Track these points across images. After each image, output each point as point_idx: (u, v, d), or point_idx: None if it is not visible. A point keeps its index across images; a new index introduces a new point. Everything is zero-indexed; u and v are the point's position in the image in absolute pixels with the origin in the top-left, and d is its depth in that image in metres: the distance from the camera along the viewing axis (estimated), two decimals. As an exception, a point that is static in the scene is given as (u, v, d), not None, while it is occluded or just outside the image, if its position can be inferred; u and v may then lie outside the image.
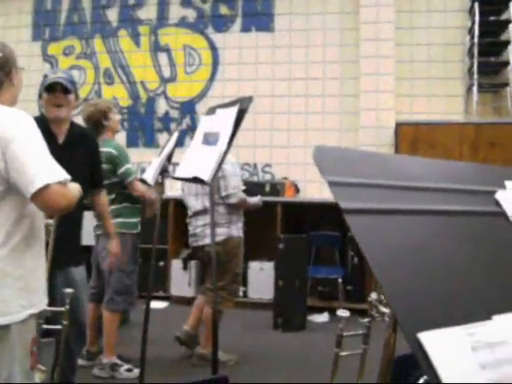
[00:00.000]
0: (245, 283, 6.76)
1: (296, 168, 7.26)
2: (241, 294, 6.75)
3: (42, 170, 1.83)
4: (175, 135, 3.36)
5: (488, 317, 0.87)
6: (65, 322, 2.54)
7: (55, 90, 3.06)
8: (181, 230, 6.87)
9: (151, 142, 7.66)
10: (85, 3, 8.05)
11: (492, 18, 6.78)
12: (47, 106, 3.12)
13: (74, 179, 1.98)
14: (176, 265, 6.87)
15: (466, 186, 1.21)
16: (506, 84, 6.77)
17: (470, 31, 6.82)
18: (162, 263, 6.86)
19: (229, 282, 4.42)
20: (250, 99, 2.59)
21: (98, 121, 4.17)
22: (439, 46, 7.10)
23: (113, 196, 4.06)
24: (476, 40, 6.66)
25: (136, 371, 3.98)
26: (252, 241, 6.70)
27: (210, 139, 2.61)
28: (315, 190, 7.11)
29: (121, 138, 7.67)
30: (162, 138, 7.56)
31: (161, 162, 3.25)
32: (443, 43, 7.10)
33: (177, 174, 2.84)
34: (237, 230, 4.49)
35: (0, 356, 1.90)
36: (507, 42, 6.71)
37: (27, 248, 1.97)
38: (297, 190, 7.14)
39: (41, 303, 2.04)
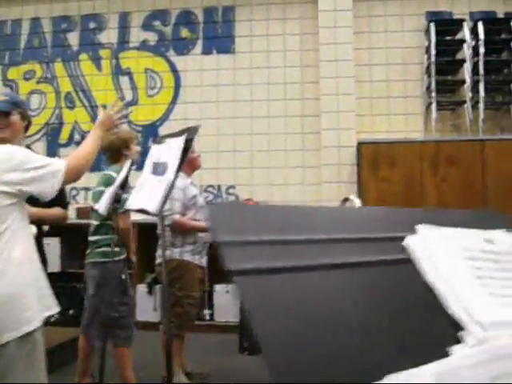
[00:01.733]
0: (211, 306, 6.72)
1: (260, 189, 7.27)
2: (207, 317, 6.72)
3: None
4: (127, 163, 3.34)
5: (380, 376, 0.86)
6: None
7: None
8: (145, 254, 6.81)
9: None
10: (45, 27, 8.00)
11: (448, 38, 6.91)
12: None
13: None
14: (141, 289, 6.80)
15: (372, 234, 1.18)
16: (464, 101, 6.88)
17: (427, 50, 6.93)
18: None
19: (173, 304, 4.33)
20: (196, 129, 2.59)
21: (118, 149, 4.14)
22: (397, 66, 7.21)
23: (97, 224, 4.02)
24: (433, 59, 6.78)
25: None
26: (216, 263, 6.69)
27: (158, 169, 2.61)
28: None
29: None
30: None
31: (113, 191, 3.22)
32: (401, 63, 7.20)
33: (127, 205, 2.83)
34: (181, 253, 4.46)
35: (28, 359, 2.12)
36: (463, 61, 6.84)
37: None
38: (261, 211, 7.13)
39: (53, 306, 2.34)
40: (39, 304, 2.21)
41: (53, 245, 6.89)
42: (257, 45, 7.49)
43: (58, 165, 2.36)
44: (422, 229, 1.26)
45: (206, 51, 7.59)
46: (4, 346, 2.06)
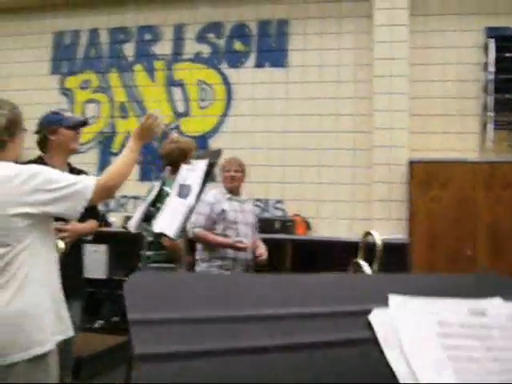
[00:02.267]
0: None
1: (308, 204, 7.17)
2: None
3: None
4: (158, 184, 3.32)
5: None
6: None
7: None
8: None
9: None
10: (102, 38, 8.16)
11: (508, 55, 6.65)
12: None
13: None
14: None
15: (332, 308, 1.01)
16: (523, 121, 6.61)
17: (485, 67, 6.69)
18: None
19: None
20: (219, 152, 2.54)
21: (177, 159, 4.08)
22: (454, 82, 6.98)
23: (150, 240, 4.07)
24: (491, 76, 6.54)
25: None
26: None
27: (183, 192, 2.57)
28: (327, 227, 7.02)
29: (134, 171, 7.70)
30: (174, 172, 7.55)
31: (144, 209, 3.21)
32: (458, 79, 6.98)
33: (154, 228, 2.81)
34: (208, 267, 4.48)
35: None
36: (523, 79, 6.57)
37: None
38: (308, 227, 7.03)
39: (69, 329, 2.35)
40: (54, 327, 2.18)
41: (100, 251, 6.99)
42: (310, 59, 7.40)
43: (86, 183, 2.32)
44: (395, 300, 1.05)
45: (259, 64, 7.56)
46: (12, 366, 2.02)
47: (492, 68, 6.54)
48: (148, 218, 3.21)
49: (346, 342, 0.94)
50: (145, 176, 7.71)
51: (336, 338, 0.92)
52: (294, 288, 1.00)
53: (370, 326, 0.99)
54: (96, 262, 6.86)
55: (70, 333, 2.31)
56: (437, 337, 1.02)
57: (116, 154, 7.80)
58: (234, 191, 4.87)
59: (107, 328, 6.63)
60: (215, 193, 4.73)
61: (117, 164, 2.48)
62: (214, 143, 7.50)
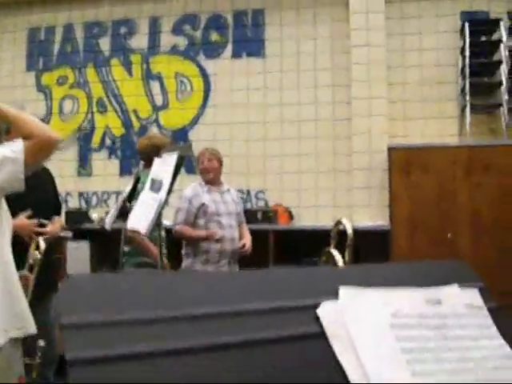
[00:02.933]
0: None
1: (290, 194, 7.17)
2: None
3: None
4: (132, 179, 3.29)
5: None
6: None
7: None
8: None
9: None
10: (77, 33, 8.07)
11: (483, 39, 6.67)
12: None
13: None
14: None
15: (281, 303, 0.93)
16: (500, 105, 6.63)
17: (462, 52, 6.70)
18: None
19: None
20: (189, 147, 2.52)
21: (149, 155, 4.08)
22: (431, 68, 7.00)
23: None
24: (467, 61, 6.55)
25: None
26: (245, 269, 6.60)
27: (154, 186, 2.55)
28: (310, 216, 7.03)
29: (114, 166, 7.67)
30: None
31: (118, 205, 3.18)
32: (435, 64, 6.99)
33: (128, 224, 2.79)
34: (192, 263, 4.50)
35: None
36: (499, 62, 6.59)
37: None
38: (291, 217, 7.03)
39: (27, 327, 2.12)
40: (6, 323, 2.03)
41: (83, 248, 6.94)
42: (287, 48, 7.38)
43: (13, 147, 2.17)
44: (345, 292, 1.02)
45: (236, 55, 7.53)
46: None
47: (468, 52, 6.54)
48: (124, 213, 3.19)
49: (293, 337, 0.91)
50: (124, 171, 7.67)
51: (281, 333, 0.90)
52: (237, 285, 0.96)
53: (318, 319, 0.96)
54: (79, 258, 6.82)
55: (31, 330, 2.18)
56: (390, 328, 1.00)
57: (96, 150, 7.77)
58: (212, 182, 4.85)
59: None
60: (194, 186, 4.71)
61: (29, 121, 2.27)
62: (193, 135, 7.47)
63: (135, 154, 7.66)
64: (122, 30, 7.92)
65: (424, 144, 6.54)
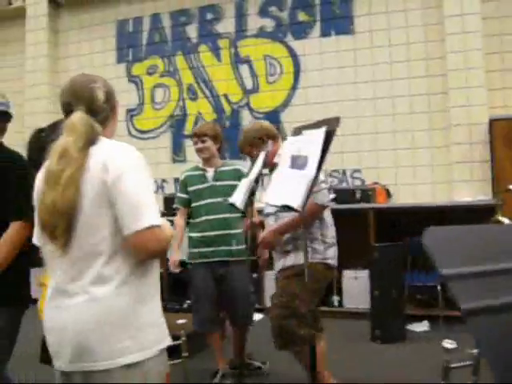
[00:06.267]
0: (339, 292, 6.63)
1: (386, 172, 7.06)
2: (336, 303, 6.63)
3: (150, 209, 1.80)
4: (262, 155, 3.28)
5: None
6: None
7: None
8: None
9: (237, 154, 7.65)
10: (165, 22, 8.18)
11: None
12: None
13: None
14: (269, 276, 6.82)
15: None
16: None
17: None
18: (255, 275, 6.82)
19: None
20: (337, 120, 2.48)
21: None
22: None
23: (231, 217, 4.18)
24: None
25: None
26: (345, 249, 6.56)
27: (298, 162, 2.53)
28: (408, 193, 6.89)
29: (166, 155, 7.85)
30: (247, 149, 7.58)
31: (249, 184, 3.19)
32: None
33: (265, 200, 2.78)
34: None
35: None
36: None
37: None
38: (388, 195, 6.93)
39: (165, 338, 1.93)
40: (147, 334, 1.84)
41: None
42: (377, 23, 7.23)
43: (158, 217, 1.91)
44: None
45: (325, 33, 7.44)
46: (108, 373, 1.77)
47: None
48: (252, 193, 3.20)
49: None
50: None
51: None
52: None
53: None
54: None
55: (167, 341, 1.93)
56: None
57: (188, 137, 7.87)
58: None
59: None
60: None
61: None
62: (285, 117, 7.45)
63: (228, 138, 7.73)
64: (209, 15, 7.97)
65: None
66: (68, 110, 1.92)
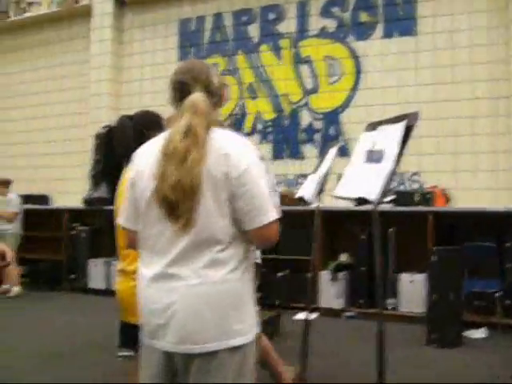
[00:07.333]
0: (395, 295, 6.58)
1: (446, 175, 6.96)
2: (391, 306, 6.58)
3: (271, 203, 1.86)
4: (333, 151, 3.30)
5: None
6: None
7: None
8: (325, 241, 6.81)
9: (296, 154, 7.71)
10: (226, 21, 8.28)
11: None
12: None
13: None
14: (324, 276, 6.82)
15: None
16: None
17: None
18: (308, 275, 6.82)
19: None
20: (415, 115, 2.48)
21: None
22: None
23: None
24: None
25: None
26: (402, 252, 6.51)
27: (373, 157, 2.54)
28: (468, 197, 6.78)
29: (266, 150, 7.81)
30: (306, 149, 7.62)
31: (320, 179, 3.21)
32: None
33: (339, 193, 2.80)
34: None
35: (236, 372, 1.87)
36: None
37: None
38: (447, 199, 6.84)
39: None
40: (250, 318, 1.91)
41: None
42: (440, 25, 7.14)
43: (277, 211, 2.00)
44: None
45: (387, 34, 7.40)
46: (212, 355, 1.82)
47: None
48: (322, 187, 3.23)
49: None
50: (277, 154, 7.81)
51: None
52: None
53: None
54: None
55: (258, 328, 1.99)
56: None
57: (248, 135, 7.93)
58: None
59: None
60: None
61: None
62: (345, 118, 7.45)
63: (287, 138, 7.78)
64: (271, 15, 8.03)
65: None
66: (181, 89, 1.93)
